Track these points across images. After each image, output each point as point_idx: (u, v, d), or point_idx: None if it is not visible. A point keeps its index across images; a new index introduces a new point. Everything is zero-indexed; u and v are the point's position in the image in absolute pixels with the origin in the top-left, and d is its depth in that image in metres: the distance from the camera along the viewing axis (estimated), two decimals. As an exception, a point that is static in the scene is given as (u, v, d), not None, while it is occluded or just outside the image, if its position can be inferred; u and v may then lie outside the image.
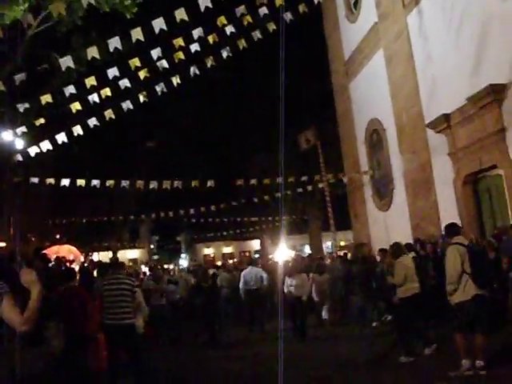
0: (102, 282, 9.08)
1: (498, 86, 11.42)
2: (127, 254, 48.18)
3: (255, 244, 49.76)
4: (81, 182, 15.73)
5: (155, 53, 11.83)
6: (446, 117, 13.51)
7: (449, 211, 14.00)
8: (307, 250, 37.30)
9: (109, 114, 13.42)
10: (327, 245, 37.01)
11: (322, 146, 21.01)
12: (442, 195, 14.45)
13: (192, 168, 25.78)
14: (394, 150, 17.20)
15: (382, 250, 14.31)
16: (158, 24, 10.53)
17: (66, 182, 15.53)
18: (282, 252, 28.56)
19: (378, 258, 13.90)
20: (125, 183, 16.44)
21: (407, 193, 16.44)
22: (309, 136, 21.68)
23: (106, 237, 38.43)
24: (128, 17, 14.51)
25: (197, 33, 11.98)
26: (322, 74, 23.41)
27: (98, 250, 39.12)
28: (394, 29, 16.35)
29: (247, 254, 48.70)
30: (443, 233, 12.49)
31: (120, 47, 10.55)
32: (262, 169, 24.27)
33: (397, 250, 9.86)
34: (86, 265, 17.65)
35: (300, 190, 21.66)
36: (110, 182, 16.39)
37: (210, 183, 17.85)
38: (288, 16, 13.59)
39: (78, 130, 13.46)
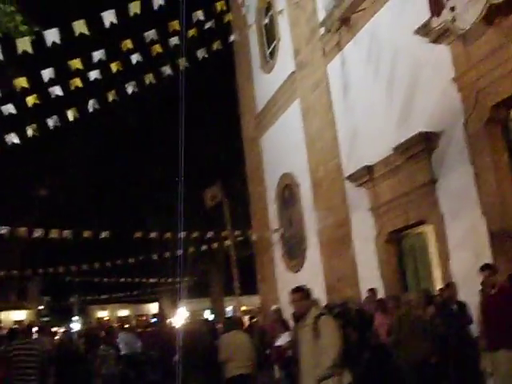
0: (8, 348, 8.85)
1: (429, 134, 10.57)
2: (12, 315, 44.34)
3: (153, 307, 47.31)
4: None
5: (47, 74, 10.12)
6: (369, 169, 12.54)
7: (369, 271, 12.89)
8: (207, 314, 35.61)
9: (-12, 147, 11.47)
10: (229, 310, 35.33)
11: (230, 203, 19.82)
12: (362, 254, 13.32)
13: (86, 219, 23.51)
14: (308, 207, 16.11)
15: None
16: (52, 35, 8.93)
17: None
18: (181, 316, 26.96)
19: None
20: (4, 230, 14.23)
21: (322, 252, 15.26)
22: (215, 192, 20.40)
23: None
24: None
25: (98, 55, 10.45)
26: (233, 127, 22.36)
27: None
28: (312, 78, 15.51)
29: (144, 317, 46.22)
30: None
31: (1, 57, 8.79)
32: (162, 224, 22.54)
33: (228, 323, 9.57)
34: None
35: (204, 247, 20.21)
36: (-15, 230, 14.14)
37: (104, 234, 15.96)
38: (201, 54, 12.43)
39: None
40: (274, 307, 14.73)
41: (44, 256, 25.07)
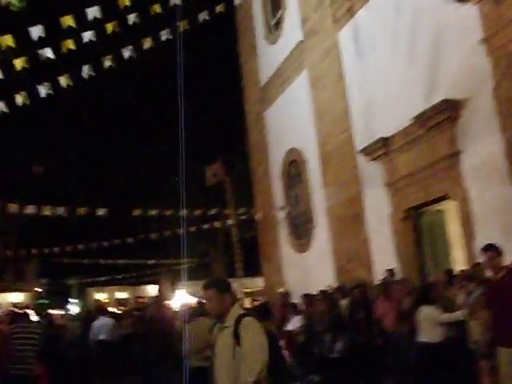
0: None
1: (453, 101, 9.67)
2: (9, 297, 43.52)
3: (152, 289, 46.59)
4: None
5: (36, 32, 9.22)
6: (385, 141, 11.65)
7: (383, 251, 12.05)
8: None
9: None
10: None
11: (233, 181, 19.09)
12: (375, 233, 12.45)
13: (82, 196, 22.50)
14: (316, 184, 15.24)
15: (306, 296, 12.22)
16: None
17: None
18: (181, 298, 26.44)
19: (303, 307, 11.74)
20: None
21: (331, 231, 14.41)
22: (216, 170, 19.64)
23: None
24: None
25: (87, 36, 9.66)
26: (235, 100, 21.38)
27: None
28: (321, 47, 14.57)
29: (142, 300, 45.41)
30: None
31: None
32: (162, 201, 21.65)
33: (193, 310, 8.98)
34: None
35: (206, 226, 19.44)
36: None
37: (101, 212, 15.10)
38: (202, 16, 11.56)
39: None
40: (281, 290, 13.96)
41: (39, 237, 24.16)
